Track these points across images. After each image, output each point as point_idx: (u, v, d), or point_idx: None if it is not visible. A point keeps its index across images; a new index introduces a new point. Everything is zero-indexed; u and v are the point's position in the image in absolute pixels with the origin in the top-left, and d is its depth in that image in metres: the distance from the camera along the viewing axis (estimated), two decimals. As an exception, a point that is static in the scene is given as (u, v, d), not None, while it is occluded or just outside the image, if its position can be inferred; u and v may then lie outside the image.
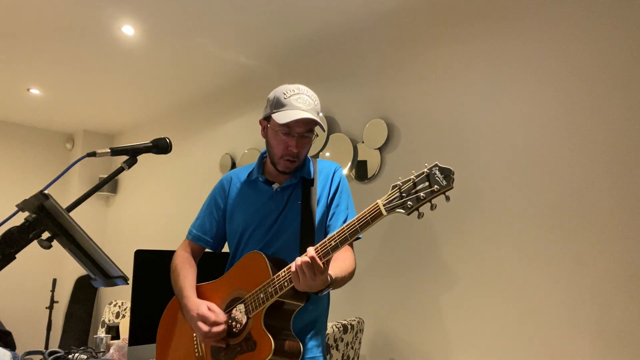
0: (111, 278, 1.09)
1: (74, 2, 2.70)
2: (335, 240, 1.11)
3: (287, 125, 1.35)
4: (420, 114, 2.61)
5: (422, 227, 2.51)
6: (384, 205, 1.06)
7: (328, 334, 2.10)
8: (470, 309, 2.26)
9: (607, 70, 1.97)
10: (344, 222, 1.37)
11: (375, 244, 2.72)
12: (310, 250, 1.11)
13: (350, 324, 2.32)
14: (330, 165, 1.50)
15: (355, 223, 1.09)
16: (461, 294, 2.30)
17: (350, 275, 1.31)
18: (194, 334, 1.38)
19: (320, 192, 1.43)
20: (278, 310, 1.25)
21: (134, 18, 2.86)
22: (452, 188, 1.00)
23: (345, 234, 1.10)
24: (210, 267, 1.54)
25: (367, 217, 1.08)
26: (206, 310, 1.27)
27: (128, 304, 3.47)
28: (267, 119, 1.41)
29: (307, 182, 1.45)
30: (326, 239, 1.13)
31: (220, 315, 1.28)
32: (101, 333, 3.17)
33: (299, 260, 1.11)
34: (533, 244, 2.09)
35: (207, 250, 1.58)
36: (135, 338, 1.77)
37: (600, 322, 1.87)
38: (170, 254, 1.57)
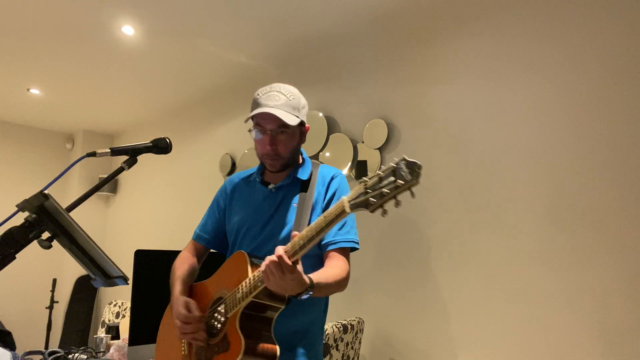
0: (111, 278, 1.09)
1: (74, 2, 2.70)
2: (303, 239, 1.08)
3: (257, 123, 1.36)
4: (420, 114, 2.61)
5: (423, 227, 2.51)
6: (348, 202, 1.02)
7: (328, 334, 2.10)
8: (470, 309, 2.26)
9: (607, 67, 1.96)
10: (341, 227, 1.36)
11: (375, 244, 2.72)
12: (279, 249, 1.08)
13: (350, 324, 2.32)
14: (329, 171, 1.49)
15: (321, 221, 1.07)
16: (461, 293, 2.30)
17: (338, 284, 1.27)
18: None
19: (316, 196, 1.41)
20: (257, 312, 1.23)
21: (134, 18, 2.86)
22: (417, 183, 0.93)
23: (312, 232, 1.08)
24: (214, 267, 1.54)
25: (332, 215, 1.05)
26: (182, 309, 1.30)
27: (128, 304, 3.47)
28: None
29: (303, 184, 1.44)
30: (296, 238, 1.11)
31: (194, 313, 1.29)
32: (101, 333, 3.17)
33: (267, 259, 1.09)
34: (533, 243, 2.09)
35: (213, 250, 1.59)
36: (135, 338, 1.77)
37: (602, 322, 1.87)
38: (170, 253, 1.58)
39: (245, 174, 1.58)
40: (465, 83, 2.42)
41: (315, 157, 3.09)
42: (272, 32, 2.99)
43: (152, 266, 1.81)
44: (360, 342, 2.45)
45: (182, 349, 1.37)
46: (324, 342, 2.06)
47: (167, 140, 1.33)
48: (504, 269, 2.16)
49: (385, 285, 2.63)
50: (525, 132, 2.18)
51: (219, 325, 1.27)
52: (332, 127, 3.05)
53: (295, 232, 1.11)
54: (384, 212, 0.98)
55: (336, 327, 2.19)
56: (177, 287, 1.41)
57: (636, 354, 1.77)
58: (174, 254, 1.56)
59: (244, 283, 1.22)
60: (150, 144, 1.31)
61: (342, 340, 2.21)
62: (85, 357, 2.14)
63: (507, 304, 2.13)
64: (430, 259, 2.45)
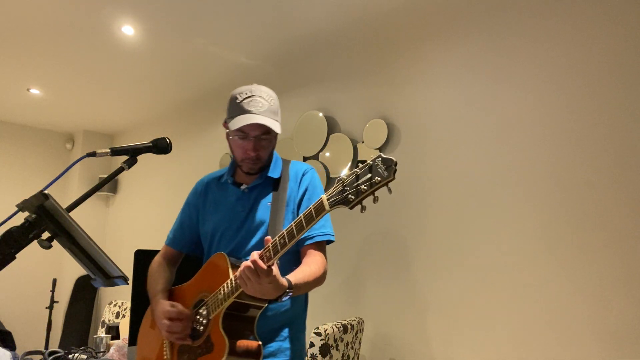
0: (111, 278, 1.09)
1: (74, 2, 2.70)
2: (284, 237, 1.09)
3: (241, 130, 1.35)
4: (420, 114, 2.61)
5: (424, 225, 2.51)
6: (327, 200, 1.03)
7: (328, 334, 2.10)
8: (470, 309, 2.26)
9: (609, 68, 1.96)
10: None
11: (375, 243, 2.72)
12: (254, 254, 1.09)
13: (350, 324, 2.32)
14: (301, 167, 1.49)
15: (301, 218, 1.08)
16: (461, 293, 2.30)
17: (316, 280, 1.28)
18: (164, 337, 1.39)
19: (289, 193, 1.42)
20: (240, 312, 1.24)
21: (134, 18, 2.86)
22: (393, 179, 0.96)
23: (292, 229, 1.09)
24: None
25: (311, 212, 1.06)
26: (168, 308, 1.31)
27: (128, 304, 3.47)
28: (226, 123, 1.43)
29: (275, 182, 1.44)
30: (276, 237, 1.11)
31: (180, 310, 1.30)
32: (101, 333, 3.17)
33: (243, 264, 1.09)
34: (533, 243, 2.09)
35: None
36: (135, 338, 1.76)
37: (601, 321, 1.87)
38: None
39: (215, 176, 1.57)
40: (466, 82, 2.42)
41: (315, 157, 3.09)
42: (272, 32, 2.99)
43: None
44: (360, 342, 2.45)
45: (165, 352, 1.37)
46: (323, 342, 2.06)
47: (167, 140, 1.33)
48: (504, 268, 2.16)
49: (385, 285, 2.63)
50: (526, 131, 2.18)
51: (201, 328, 1.27)
52: (332, 127, 3.05)
53: (268, 238, 1.12)
54: (363, 208, 1.00)
55: (336, 327, 2.19)
56: (157, 294, 1.41)
57: (637, 352, 1.77)
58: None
59: (225, 284, 1.22)
60: (150, 144, 1.31)
61: (342, 340, 2.21)
62: (85, 357, 2.14)
63: (507, 304, 2.13)
64: (432, 258, 2.45)
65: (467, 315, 2.26)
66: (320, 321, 2.41)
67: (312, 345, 2.06)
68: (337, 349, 2.17)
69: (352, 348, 2.33)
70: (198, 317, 1.29)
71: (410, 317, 2.49)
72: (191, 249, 1.56)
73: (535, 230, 2.09)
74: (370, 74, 2.90)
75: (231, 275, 1.22)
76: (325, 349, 2.07)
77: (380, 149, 2.73)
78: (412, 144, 2.62)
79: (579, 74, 2.04)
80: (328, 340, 2.09)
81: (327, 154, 3.04)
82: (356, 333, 2.38)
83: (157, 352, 1.40)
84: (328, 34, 2.97)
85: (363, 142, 2.83)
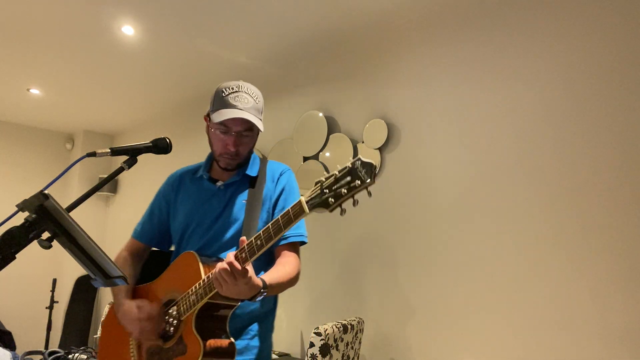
0: (111, 278, 1.08)
1: (74, 2, 2.70)
2: (261, 239, 1.09)
3: (224, 124, 1.35)
4: (420, 114, 2.61)
5: (425, 226, 2.51)
6: (307, 203, 1.03)
7: (328, 334, 2.10)
8: (471, 308, 2.26)
9: (613, 66, 1.96)
10: None
11: (376, 242, 2.72)
12: (230, 256, 1.08)
13: (350, 324, 2.32)
14: (278, 167, 1.48)
15: (279, 220, 1.07)
16: (461, 294, 2.30)
17: (290, 281, 1.28)
18: (130, 339, 1.36)
19: (266, 192, 1.41)
20: (212, 311, 1.22)
21: (134, 18, 2.86)
22: (373, 183, 0.96)
23: (270, 231, 1.08)
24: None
25: (289, 214, 1.06)
26: (134, 309, 1.28)
27: (128, 304, 3.46)
28: (209, 116, 1.42)
29: (252, 180, 1.43)
30: (252, 238, 1.11)
31: (148, 311, 1.27)
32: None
33: (218, 266, 1.09)
34: (537, 242, 2.09)
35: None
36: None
37: (600, 323, 1.87)
38: (168, 254, 1.56)
39: (190, 169, 1.57)
40: (466, 82, 2.42)
41: (315, 157, 3.09)
42: (272, 32, 2.99)
43: (152, 266, 1.81)
44: (360, 342, 2.45)
45: (131, 354, 1.34)
46: (323, 342, 2.06)
47: (167, 140, 1.33)
48: (508, 268, 2.16)
49: (385, 285, 2.63)
50: (526, 131, 2.18)
51: (172, 328, 1.25)
52: (332, 127, 3.05)
53: (244, 238, 1.11)
54: (343, 211, 1.00)
55: (336, 327, 2.19)
56: (120, 292, 1.37)
57: (636, 353, 1.77)
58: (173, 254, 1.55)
59: (197, 285, 1.20)
60: (150, 144, 1.31)
61: (342, 340, 2.21)
62: (85, 357, 2.14)
63: (510, 303, 2.13)
64: (433, 257, 2.45)
65: (469, 315, 2.26)
66: (320, 321, 2.41)
67: (312, 345, 2.06)
68: (337, 349, 2.17)
69: (352, 348, 2.33)
70: (168, 317, 1.27)
71: (410, 317, 2.49)
72: (159, 242, 1.53)
73: (538, 230, 2.09)
74: (370, 74, 2.90)
75: (203, 276, 1.20)
76: (325, 349, 2.07)
77: (380, 149, 2.73)
78: (412, 144, 2.62)
79: (583, 72, 2.04)
80: (328, 340, 2.09)
81: (327, 154, 3.04)
82: (356, 333, 2.38)
83: (122, 354, 1.36)
84: (328, 34, 2.97)
85: (363, 142, 2.83)
